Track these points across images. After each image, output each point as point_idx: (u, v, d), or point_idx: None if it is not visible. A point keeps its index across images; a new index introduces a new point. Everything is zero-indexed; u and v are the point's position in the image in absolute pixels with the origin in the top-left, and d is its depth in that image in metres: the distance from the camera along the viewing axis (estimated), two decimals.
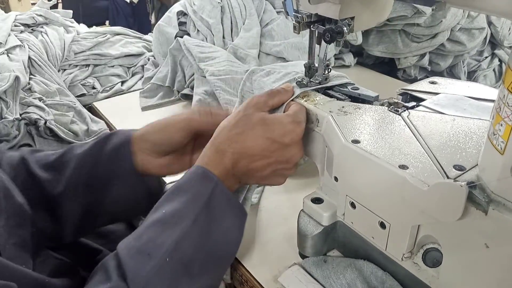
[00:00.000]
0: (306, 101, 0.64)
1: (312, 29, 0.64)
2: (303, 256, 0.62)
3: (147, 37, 1.37)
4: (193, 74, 1.05)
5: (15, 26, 1.20)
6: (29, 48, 1.11)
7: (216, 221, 0.53)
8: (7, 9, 3.41)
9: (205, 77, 0.97)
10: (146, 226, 0.51)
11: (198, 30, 1.17)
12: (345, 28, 0.58)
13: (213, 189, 0.53)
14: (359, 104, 0.62)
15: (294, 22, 0.63)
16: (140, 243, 0.50)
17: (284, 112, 0.61)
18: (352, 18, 0.59)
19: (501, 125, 0.40)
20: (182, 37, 1.20)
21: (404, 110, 0.59)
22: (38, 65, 1.09)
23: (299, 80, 0.68)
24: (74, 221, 0.64)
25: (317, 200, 0.60)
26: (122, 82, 1.23)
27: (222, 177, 0.55)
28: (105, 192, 0.65)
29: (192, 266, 0.50)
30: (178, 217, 0.51)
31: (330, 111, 0.59)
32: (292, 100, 0.64)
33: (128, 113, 1.09)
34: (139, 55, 1.28)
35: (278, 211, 0.73)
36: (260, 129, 0.57)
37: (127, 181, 0.65)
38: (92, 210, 0.65)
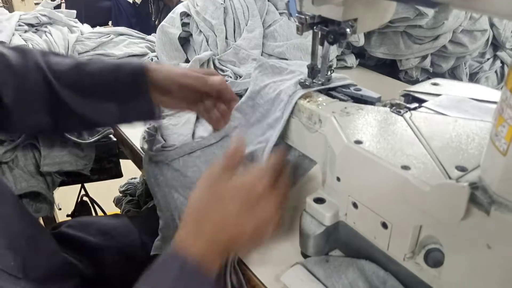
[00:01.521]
0: (308, 101, 0.64)
1: (315, 30, 0.64)
2: (305, 256, 0.62)
3: (150, 37, 1.37)
4: None
5: (19, 25, 1.20)
6: (33, 47, 1.11)
7: None
8: (10, 9, 3.43)
9: None
10: None
11: (200, 31, 1.17)
12: (348, 30, 0.58)
13: (180, 267, 0.50)
14: (362, 105, 0.62)
15: (297, 23, 0.64)
16: None
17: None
18: (355, 20, 0.59)
19: (504, 126, 0.40)
20: (185, 37, 1.21)
21: (406, 111, 0.59)
22: None
23: (302, 81, 0.68)
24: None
25: (319, 200, 0.60)
26: None
27: (200, 256, 0.51)
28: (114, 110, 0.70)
29: None
30: None
31: (332, 112, 0.59)
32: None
33: None
34: (142, 55, 1.28)
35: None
36: (229, 197, 0.55)
37: (141, 102, 0.70)
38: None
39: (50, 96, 0.68)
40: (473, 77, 1.36)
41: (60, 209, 1.53)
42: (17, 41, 1.13)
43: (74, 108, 0.69)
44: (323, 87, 0.68)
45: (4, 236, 0.52)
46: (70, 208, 1.26)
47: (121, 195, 1.47)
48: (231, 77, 1.06)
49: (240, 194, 0.55)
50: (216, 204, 0.54)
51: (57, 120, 0.70)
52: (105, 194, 1.35)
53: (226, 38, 1.15)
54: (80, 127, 0.80)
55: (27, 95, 0.67)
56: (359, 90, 0.68)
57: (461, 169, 0.47)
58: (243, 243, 0.55)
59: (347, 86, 0.69)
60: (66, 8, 3.38)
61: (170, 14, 1.24)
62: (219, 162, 0.58)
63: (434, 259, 0.50)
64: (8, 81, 0.65)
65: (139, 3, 3.95)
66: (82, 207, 1.24)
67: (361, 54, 1.37)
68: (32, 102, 0.67)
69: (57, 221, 1.37)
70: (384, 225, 0.52)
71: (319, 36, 0.65)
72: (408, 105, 0.62)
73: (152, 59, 1.28)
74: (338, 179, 0.56)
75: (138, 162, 0.93)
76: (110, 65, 0.70)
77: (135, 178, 1.50)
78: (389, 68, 1.36)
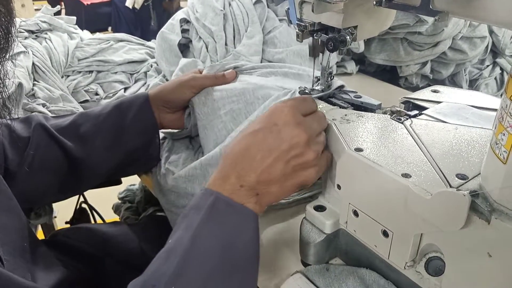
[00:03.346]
0: None
1: (315, 37, 0.64)
2: (305, 264, 0.62)
3: (150, 43, 1.38)
4: None
5: (20, 32, 1.20)
6: (33, 54, 1.11)
7: (219, 234, 0.50)
8: None
9: None
10: (153, 261, 0.49)
11: (200, 37, 1.17)
12: (348, 37, 0.59)
13: (212, 201, 0.50)
14: (362, 112, 0.62)
15: (297, 30, 0.64)
16: (145, 277, 0.48)
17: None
18: (355, 27, 0.59)
19: (504, 134, 0.40)
20: (185, 44, 1.21)
21: (407, 119, 0.59)
22: (42, 71, 1.09)
23: (302, 88, 0.68)
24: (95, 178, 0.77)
25: (319, 208, 0.60)
26: (125, 89, 1.23)
27: (227, 192, 0.52)
28: (127, 150, 0.75)
29: (208, 286, 0.47)
30: (179, 243, 0.49)
31: (333, 119, 0.59)
32: None
33: None
34: (142, 61, 1.28)
35: (280, 219, 0.73)
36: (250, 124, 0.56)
37: (148, 137, 0.76)
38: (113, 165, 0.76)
39: (56, 152, 0.70)
40: (473, 84, 1.36)
41: (55, 217, 1.52)
42: (17, 47, 1.13)
43: (81, 158, 0.72)
44: (323, 93, 0.68)
45: (14, 250, 0.52)
46: (69, 215, 1.25)
47: (120, 201, 1.47)
48: None
49: (282, 148, 0.52)
50: (250, 150, 0.53)
51: (65, 180, 0.73)
52: (103, 201, 1.34)
53: (226, 44, 1.15)
54: (86, 183, 0.79)
55: (31, 156, 0.69)
56: (359, 97, 0.68)
57: (462, 177, 0.46)
58: (272, 189, 0.53)
59: (347, 93, 0.69)
60: (66, 14, 3.39)
61: (170, 21, 1.24)
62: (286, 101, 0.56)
63: (435, 267, 0.49)
64: (13, 147, 0.67)
65: (138, 8, 3.96)
66: (81, 214, 1.23)
67: (361, 61, 1.37)
68: (38, 164, 0.69)
69: (55, 228, 1.37)
70: (385, 233, 0.52)
71: (319, 43, 0.65)
72: (408, 112, 0.62)
73: (151, 65, 1.28)
74: (339, 186, 0.56)
75: None
76: (110, 104, 0.76)
77: (134, 185, 1.49)
78: (389, 74, 1.36)
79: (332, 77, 0.69)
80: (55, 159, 0.70)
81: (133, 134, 0.75)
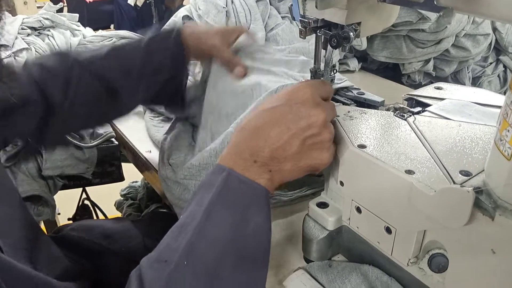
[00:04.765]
0: None
1: (318, 34, 0.64)
2: (308, 261, 0.62)
3: None
4: None
5: (22, 29, 1.20)
6: (35, 51, 1.12)
7: (232, 210, 0.49)
8: (13, 13, 3.43)
9: None
10: (165, 236, 0.50)
11: None
12: (351, 34, 0.58)
13: (224, 178, 0.50)
14: (365, 109, 0.62)
15: (300, 27, 0.63)
16: (158, 252, 0.48)
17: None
18: (359, 24, 0.59)
19: (508, 131, 0.40)
20: None
21: (410, 115, 0.59)
22: None
23: None
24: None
25: (322, 205, 0.60)
26: None
27: (240, 167, 0.51)
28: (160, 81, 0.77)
29: (218, 266, 0.47)
30: (191, 218, 0.49)
31: (336, 116, 0.59)
32: None
33: (133, 116, 1.09)
34: None
35: (283, 215, 0.73)
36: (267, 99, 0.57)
37: (179, 70, 0.79)
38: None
39: (95, 84, 0.72)
40: (476, 81, 1.36)
41: (59, 213, 1.53)
42: (20, 44, 1.13)
43: (119, 88, 0.74)
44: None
45: (15, 242, 0.52)
46: (71, 211, 1.26)
47: (122, 198, 1.47)
48: None
49: (300, 125, 0.52)
50: (267, 126, 0.52)
51: (105, 109, 0.76)
52: (106, 197, 1.35)
53: None
54: (124, 110, 0.83)
55: (73, 92, 0.70)
56: (363, 94, 0.68)
57: (465, 173, 0.46)
58: (285, 167, 0.52)
59: (350, 89, 0.69)
60: (69, 11, 3.39)
61: (172, 18, 1.24)
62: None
63: (438, 264, 0.49)
64: (51, 83, 0.69)
65: (140, 6, 3.96)
66: (84, 211, 1.23)
67: (363, 58, 1.37)
68: (80, 96, 0.71)
69: (58, 225, 1.37)
70: (388, 230, 0.51)
71: (322, 40, 0.65)
72: (411, 109, 0.62)
73: None
74: (342, 183, 0.56)
75: (139, 165, 0.93)
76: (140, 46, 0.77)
77: (136, 182, 1.50)
78: (392, 72, 1.35)
79: (336, 71, 0.68)
80: (95, 91, 0.72)
81: (164, 72, 0.77)
